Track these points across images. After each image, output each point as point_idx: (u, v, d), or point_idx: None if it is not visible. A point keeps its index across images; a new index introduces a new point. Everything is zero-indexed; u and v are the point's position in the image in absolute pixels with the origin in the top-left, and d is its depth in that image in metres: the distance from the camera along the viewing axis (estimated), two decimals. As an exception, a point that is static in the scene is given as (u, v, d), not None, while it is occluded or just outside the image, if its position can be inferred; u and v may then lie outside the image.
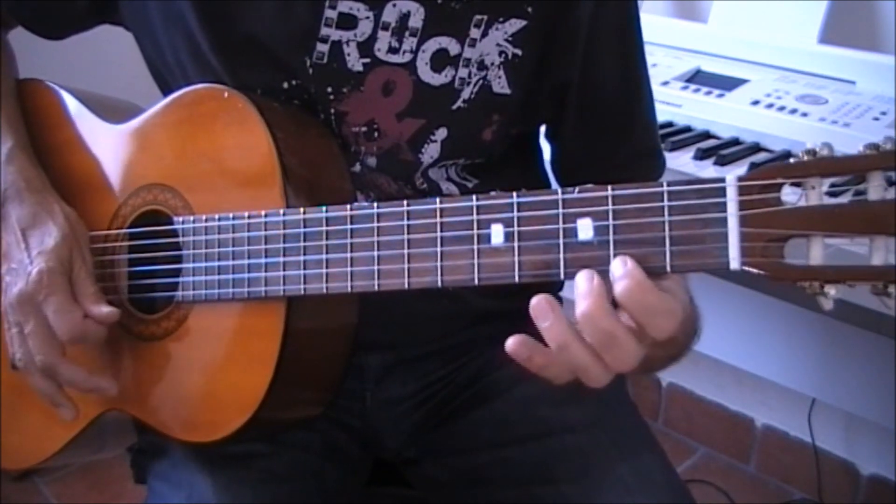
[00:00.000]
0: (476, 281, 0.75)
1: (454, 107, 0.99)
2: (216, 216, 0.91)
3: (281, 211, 0.86)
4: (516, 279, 0.73)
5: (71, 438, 1.04)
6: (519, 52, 0.99)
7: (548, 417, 1.07)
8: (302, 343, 0.89)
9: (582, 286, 0.70)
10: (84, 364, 0.97)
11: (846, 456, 2.19)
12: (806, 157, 0.63)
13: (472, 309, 1.11)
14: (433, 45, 0.97)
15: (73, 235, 0.98)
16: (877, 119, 1.54)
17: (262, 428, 0.95)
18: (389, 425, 1.13)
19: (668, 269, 0.68)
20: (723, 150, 1.52)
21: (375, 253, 0.80)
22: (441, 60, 0.98)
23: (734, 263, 0.66)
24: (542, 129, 1.14)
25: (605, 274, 0.70)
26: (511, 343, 0.73)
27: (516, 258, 0.73)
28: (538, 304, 0.71)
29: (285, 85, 0.98)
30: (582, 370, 0.72)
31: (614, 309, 0.70)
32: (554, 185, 1.17)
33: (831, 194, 0.65)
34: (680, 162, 1.50)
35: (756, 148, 1.56)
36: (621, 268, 0.68)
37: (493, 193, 0.74)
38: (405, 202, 0.78)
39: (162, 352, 0.96)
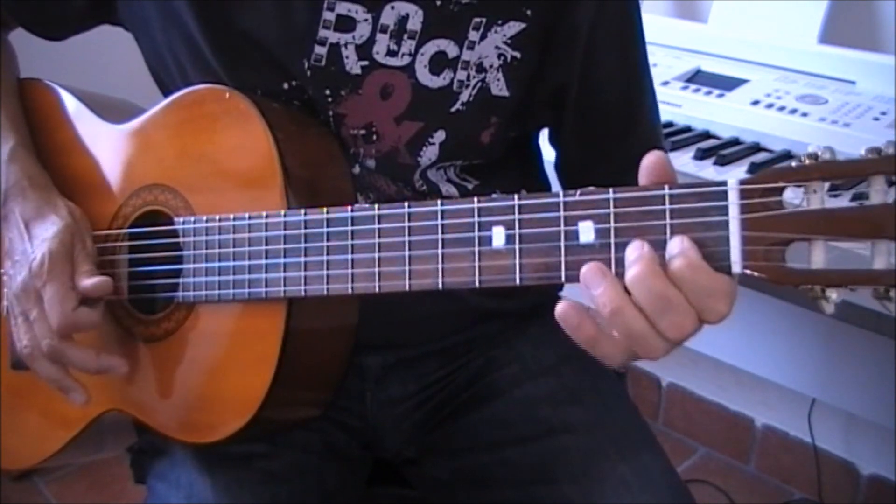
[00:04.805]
0: (477, 283, 0.75)
1: (452, 109, 0.99)
2: (217, 217, 0.91)
3: (282, 212, 0.86)
4: (517, 282, 0.73)
5: (70, 439, 1.04)
6: (517, 54, 0.98)
7: (548, 417, 1.07)
8: (302, 344, 0.89)
9: (632, 254, 0.68)
10: None
11: (846, 456, 2.19)
12: (808, 161, 0.63)
13: (472, 309, 1.11)
14: (432, 47, 0.97)
15: (76, 225, 0.98)
16: (877, 119, 1.55)
17: (263, 429, 0.95)
18: (389, 425, 1.13)
19: (670, 272, 0.68)
20: (723, 150, 1.52)
21: (376, 255, 0.80)
22: (439, 63, 0.97)
23: (736, 267, 0.66)
24: (546, 132, 1.13)
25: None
26: (561, 307, 0.71)
27: (517, 261, 0.73)
28: (589, 270, 0.70)
29: (285, 86, 0.97)
30: (639, 338, 0.70)
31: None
32: (555, 186, 1.17)
33: (832, 192, 0.65)
34: (680, 162, 1.50)
35: (756, 148, 1.57)
36: (677, 246, 0.67)
37: (494, 196, 0.74)
38: (406, 204, 0.78)
39: (162, 353, 0.96)
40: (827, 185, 0.64)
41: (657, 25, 1.86)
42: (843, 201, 0.65)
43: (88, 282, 0.94)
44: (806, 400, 2.16)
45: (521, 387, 1.10)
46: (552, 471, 1.03)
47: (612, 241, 0.69)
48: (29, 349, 0.95)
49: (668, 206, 0.68)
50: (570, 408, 1.07)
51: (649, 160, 0.70)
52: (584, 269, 0.70)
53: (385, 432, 1.13)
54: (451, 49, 0.97)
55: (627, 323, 0.69)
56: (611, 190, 0.70)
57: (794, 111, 1.60)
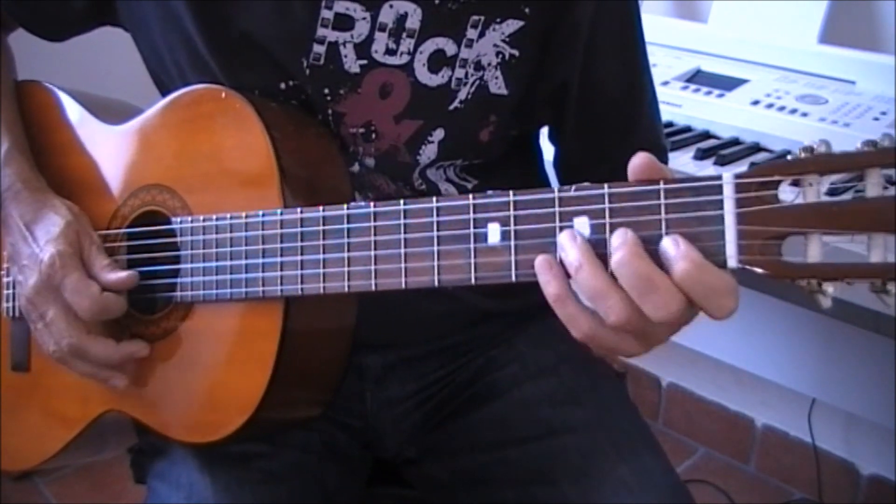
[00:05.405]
0: (473, 280, 0.75)
1: (451, 107, 0.99)
2: (214, 216, 0.91)
3: (278, 211, 0.86)
4: (513, 278, 0.73)
5: (71, 439, 1.04)
6: (516, 52, 0.98)
7: (548, 418, 1.07)
8: (300, 343, 0.89)
9: (616, 240, 0.68)
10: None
11: (846, 456, 2.19)
12: (803, 155, 0.63)
13: (472, 309, 1.11)
14: (430, 46, 0.97)
15: (77, 222, 0.98)
16: (877, 119, 1.55)
17: (262, 429, 0.95)
18: (389, 425, 1.13)
19: (666, 267, 0.68)
20: (723, 150, 1.52)
21: (372, 253, 0.80)
22: (438, 61, 0.97)
23: (732, 261, 0.65)
24: (545, 130, 1.13)
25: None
26: (540, 258, 0.71)
27: (513, 257, 0.73)
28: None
29: (283, 86, 0.97)
30: (627, 322, 0.69)
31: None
32: (554, 185, 1.17)
33: (831, 194, 0.64)
34: (680, 162, 1.50)
35: (756, 148, 1.56)
36: (674, 249, 0.66)
37: (489, 192, 0.74)
38: (402, 201, 0.78)
39: (161, 352, 0.96)
40: (823, 179, 0.64)
41: (657, 25, 1.86)
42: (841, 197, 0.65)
43: (114, 276, 0.94)
44: (806, 400, 2.16)
45: (521, 387, 1.10)
46: (552, 471, 1.03)
47: (608, 236, 0.69)
48: (53, 351, 0.95)
49: (662, 201, 0.67)
50: (570, 408, 1.07)
51: (635, 162, 0.70)
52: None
53: (385, 432, 1.13)
54: (449, 47, 0.97)
55: (610, 302, 0.69)
56: (605, 185, 0.69)
57: (794, 111, 1.60)
